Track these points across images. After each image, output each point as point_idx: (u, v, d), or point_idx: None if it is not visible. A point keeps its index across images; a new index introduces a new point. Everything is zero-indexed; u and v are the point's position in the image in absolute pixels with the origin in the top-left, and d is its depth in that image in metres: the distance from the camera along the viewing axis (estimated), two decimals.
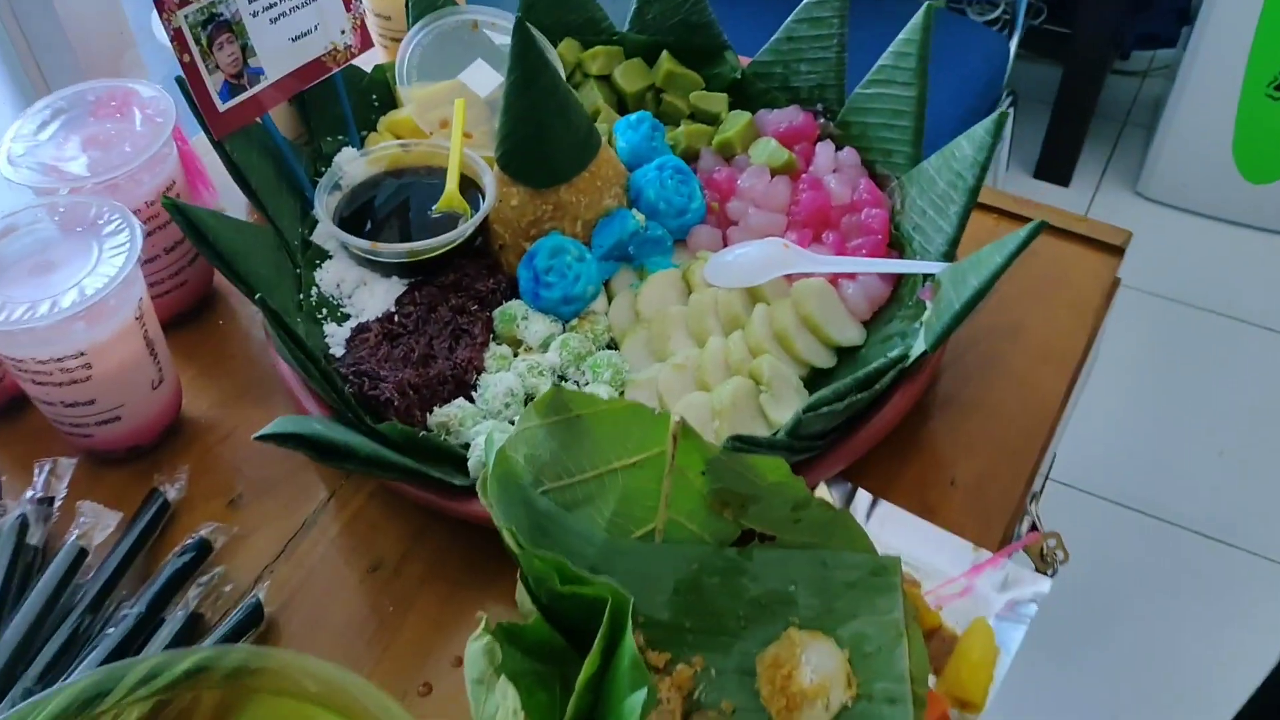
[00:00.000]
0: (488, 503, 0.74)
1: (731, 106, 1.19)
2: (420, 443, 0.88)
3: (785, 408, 0.93)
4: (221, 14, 0.97)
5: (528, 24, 0.95)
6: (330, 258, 1.06)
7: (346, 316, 1.03)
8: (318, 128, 1.12)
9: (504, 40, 1.18)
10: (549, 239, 1.03)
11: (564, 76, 1.16)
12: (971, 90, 2.09)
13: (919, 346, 0.91)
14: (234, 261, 0.93)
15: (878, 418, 0.89)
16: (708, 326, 1.00)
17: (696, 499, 0.78)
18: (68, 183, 0.93)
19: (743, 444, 0.83)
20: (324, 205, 1.06)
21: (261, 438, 0.75)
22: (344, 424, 0.87)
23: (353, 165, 1.10)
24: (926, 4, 1.02)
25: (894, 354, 0.93)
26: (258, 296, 0.82)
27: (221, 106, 0.99)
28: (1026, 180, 2.95)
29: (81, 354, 0.86)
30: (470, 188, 1.10)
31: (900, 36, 1.04)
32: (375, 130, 1.15)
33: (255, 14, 1.00)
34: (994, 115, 0.93)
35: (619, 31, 1.21)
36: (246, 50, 1.00)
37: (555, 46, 1.19)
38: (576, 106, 1.01)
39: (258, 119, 1.03)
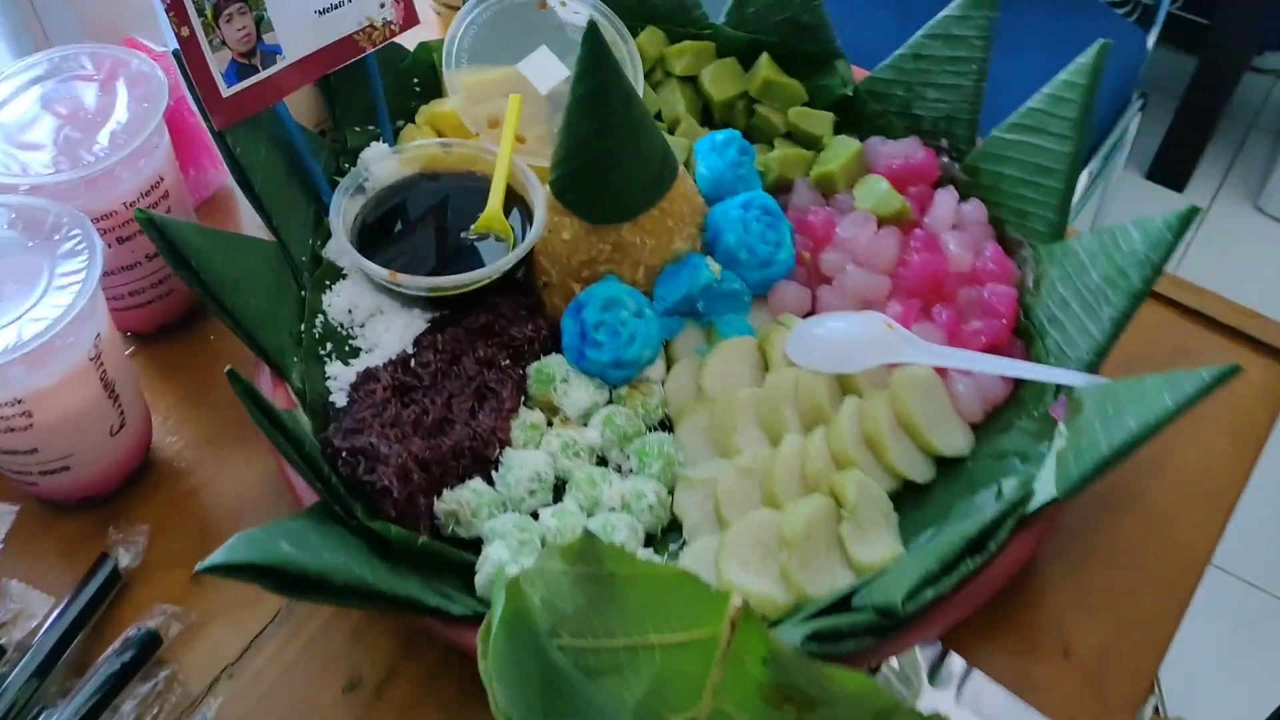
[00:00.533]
0: (485, 668, 0.58)
1: (838, 129, 0.99)
2: (419, 551, 0.71)
3: (871, 544, 0.75)
4: None
5: (599, 27, 0.76)
6: (344, 277, 0.89)
7: (356, 352, 0.86)
8: (343, 116, 0.94)
9: (577, 24, 0.99)
10: (603, 286, 0.85)
11: (640, 74, 0.97)
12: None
13: (1045, 487, 0.73)
14: (220, 291, 0.77)
15: (983, 575, 0.71)
16: (783, 419, 0.82)
17: (751, 688, 0.61)
18: (29, 178, 0.77)
19: (823, 640, 0.65)
20: (341, 213, 0.88)
21: (208, 570, 0.59)
22: (327, 514, 0.71)
23: (382, 164, 0.92)
24: (1100, 42, 0.81)
25: (1011, 491, 0.75)
26: (228, 369, 0.65)
27: (226, 91, 0.82)
28: (1137, 181, 2.70)
29: (19, 401, 0.70)
30: (517, 204, 0.92)
31: (1061, 76, 0.84)
32: (413, 122, 0.97)
33: None
34: (1182, 211, 0.73)
35: (713, 24, 1.02)
36: (261, 24, 0.82)
37: (635, 35, 1.00)
38: (652, 132, 0.82)
39: (270, 106, 0.85)
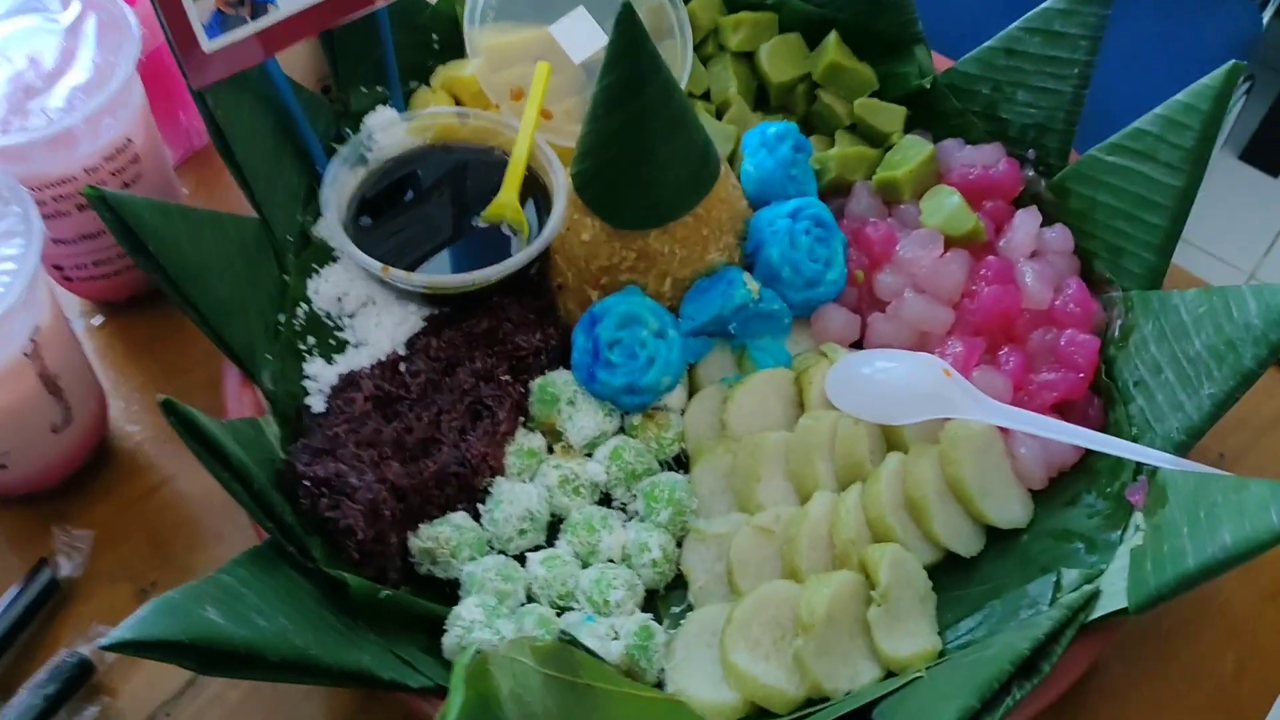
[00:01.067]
0: None
1: (910, 125, 0.87)
2: (381, 606, 0.62)
3: (902, 634, 0.65)
4: None
5: (634, 10, 0.64)
6: (335, 260, 0.79)
7: (343, 346, 0.77)
8: (347, 75, 0.83)
9: None
10: (623, 297, 0.74)
11: (689, 46, 0.85)
12: (1207, 62, 1.68)
13: (1114, 591, 0.62)
14: (181, 278, 0.67)
15: (1038, 690, 0.61)
16: (816, 472, 0.71)
17: None
18: None
19: None
20: (337, 187, 0.78)
21: (112, 648, 0.50)
22: (280, 553, 0.62)
23: (388, 132, 0.82)
24: (1231, 64, 0.68)
25: (1072, 584, 0.64)
26: (162, 399, 0.55)
27: (208, 45, 0.71)
28: (1230, 162, 2.51)
29: None
30: (536, 190, 0.81)
31: (1180, 98, 0.71)
32: (428, 85, 0.86)
33: None
34: None
35: None
36: None
37: (688, 0, 0.88)
38: (692, 130, 0.71)
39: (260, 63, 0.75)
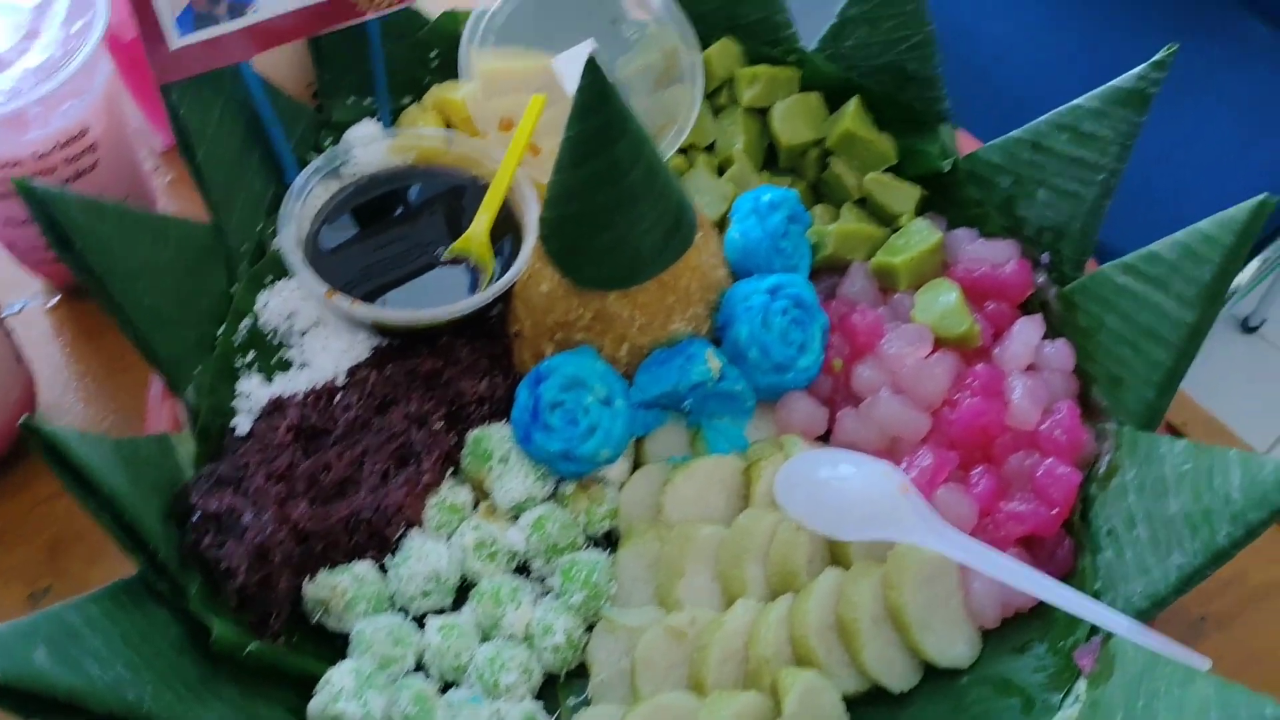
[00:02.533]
0: None
1: (927, 206, 0.81)
2: (248, 661, 0.59)
3: None
4: None
5: (598, 62, 0.59)
6: (291, 275, 0.75)
7: (286, 365, 0.74)
8: (333, 84, 0.80)
9: (637, 22, 0.82)
10: (573, 358, 0.70)
11: (699, 94, 0.80)
12: (1237, 141, 1.57)
13: None
14: (109, 281, 0.65)
15: None
16: (745, 576, 0.66)
17: None
18: None
19: None
20: (304, 199, 0.75)
21: None
22: (149, 591, 0.58)
23: (369, 148, 0.78)
24: (1262, 198, 0.61)
25: None
26: (22, 420, 0.52)
27: (176, 41, 0.68)
28: None
29: None
30: (510, 229, 0.77)
31: (1201, 226, 0.64)
32: (420, 103, 0.82)
33: None
34: None
35: (803, 49, 0.83)
36: None
37: (706, 47, 0.83)
38: (663, 193, 0.66)
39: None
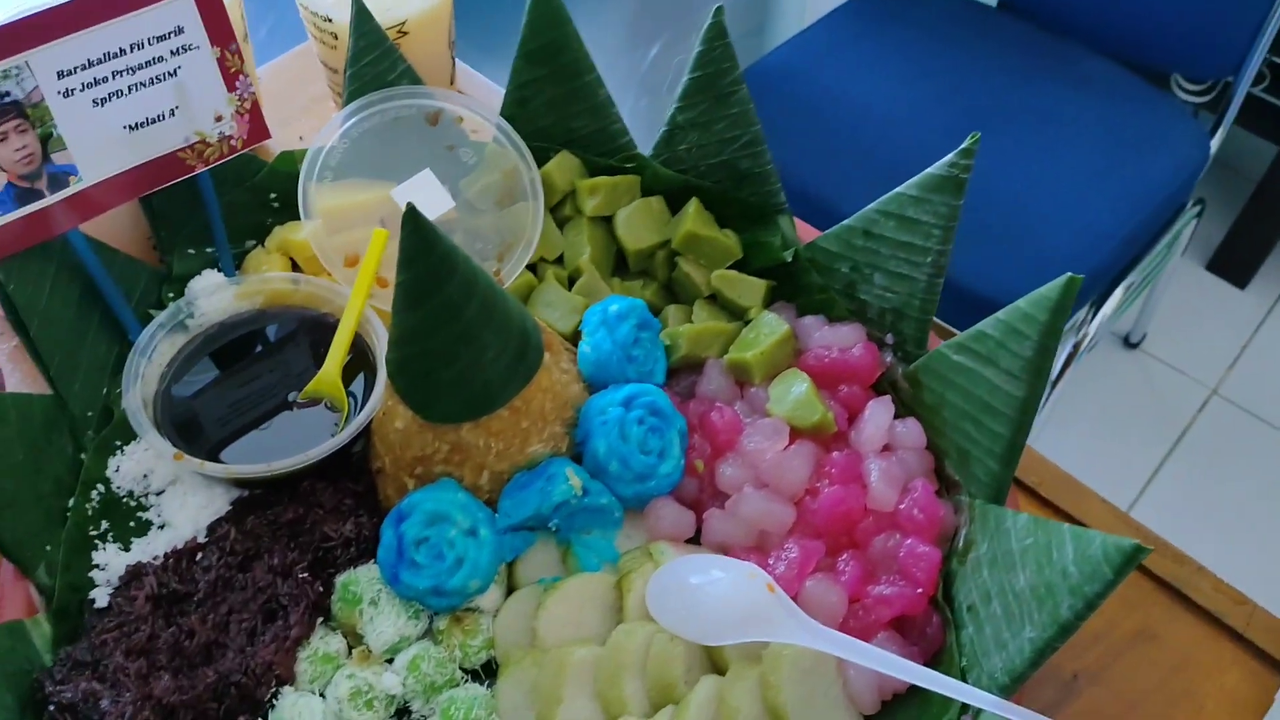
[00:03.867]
0: None
1: (773, 296, 0.83)
2: None
3: None
4: (6, 93, 0.65)
5: (419, 212, 0.60)
6: (139, 438, 0.74)
7: (145, 528, 0.72)
8: (170, 239, 0.80)
9: (474, 144, 0.84)
10: (432, 493, 0.70)
11: (541, 210, 0.81)
12: (1150, 192, 1.65)
13: None
14: None
15: None
16: (623, 695, 0.66)
17: None
18: None
19: None
20: (149, 357, 0.74)
21: None
22: None
23: (214, 297, 0.78)
24: (1068, 277, 0.64)
25: None
26: None
27: None
28: (1196, 271, 2.47)
29: None
30: (364, 365, 0.77)
31: (1020, 304, 0.67)
32: (263, 246, 0.82)
33: (68, 93, 0.67)
34: (1126, 547, 0.55)
35: (640, 156, 0.85)
36: (50, 142, 0.68)
37: (545, 162, 0.84)
38: (503, 325, 0.67)
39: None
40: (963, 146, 0.71)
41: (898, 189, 0.75)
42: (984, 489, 0.70)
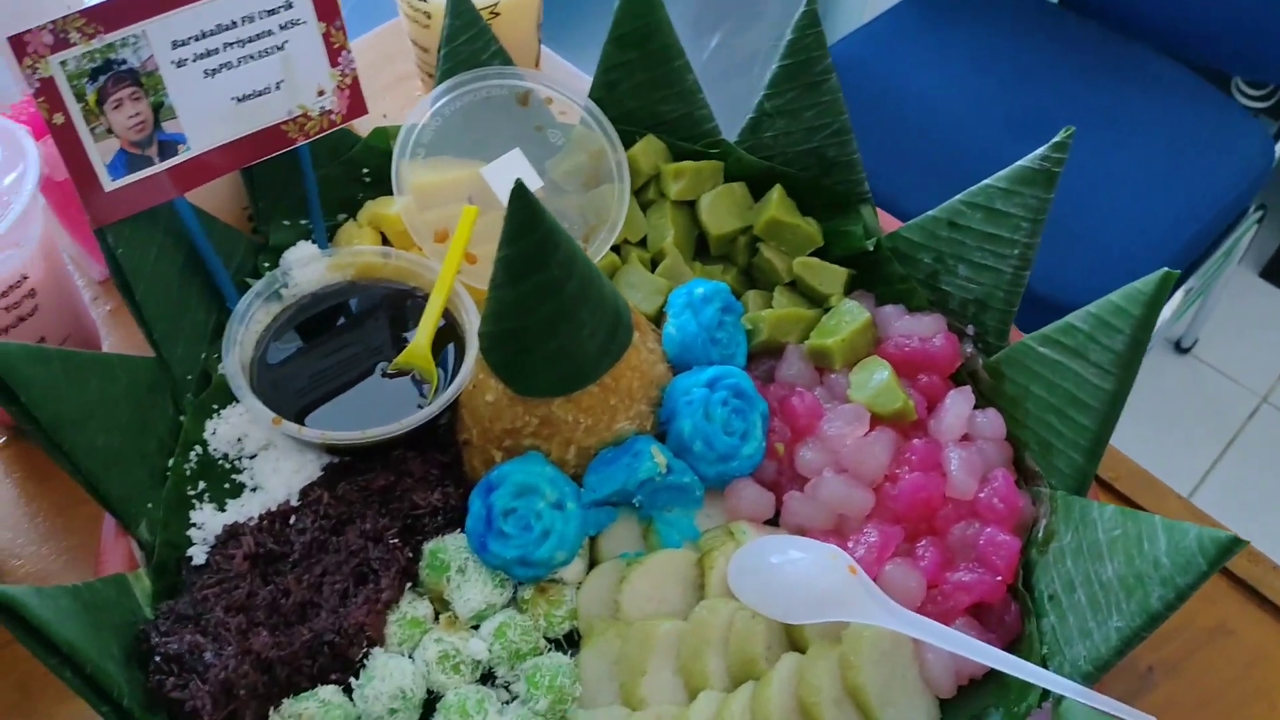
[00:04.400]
0: None
1: (856, 284, 0.84)
2: None
3: None
4: (123, 61, 0.67)
5: (527, 188, 0.61)
6: (237, 400, 0.76)
7: (239, 490, 0.74)
8: (268, 210, 0.81)
9: (562, 125, 0.85)
10: (522, 465, 0.71)
11: (627, 193, 0.82)
12: (1213, 197, 1.64)
13: None
14: (57, 432, 0.65)
15: None
16: (706, 669, 0.68)
17: None
18: None
19: None
20: (246, 323, 0.76)
21: None
22: None
23: (308, 268, 0.80)
24: (1163, 272, 0.64)
25: None
26: None
27: (110, 184, 0.70)
28: (1249, 278, 2.45)
29: None
30: (452, 339, 0.79)
31: (1113, 298, 0.67)
32: (355, 220, 0.84)
33: (180, 63, 0.69)
34: (1222, 539, 0.56)
35: (725, 141, 0.86)
36: (161, 111, 0.70)
37: (631, 145, 0.85)
38: (598, 304, 0.68)
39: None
40: (1055, 140, 0.71)
41: (986, 181, 0.75)
42: (1066, 481, 0.71)
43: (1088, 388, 0.69)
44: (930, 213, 0.79)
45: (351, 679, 0.68)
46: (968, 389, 0.77)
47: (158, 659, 0.62)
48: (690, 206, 0.86)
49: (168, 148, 0.71)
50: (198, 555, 0.71)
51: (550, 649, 0.71)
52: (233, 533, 0.71)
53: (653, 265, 0.84)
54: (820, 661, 0.67)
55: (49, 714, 0.70)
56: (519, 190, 0.61)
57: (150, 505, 0.70)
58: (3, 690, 0.70)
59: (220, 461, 0.75)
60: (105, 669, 0.58)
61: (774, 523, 0.75)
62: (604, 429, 0.72)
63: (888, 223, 0.85)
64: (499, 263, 0.65)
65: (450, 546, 0.71)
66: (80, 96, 0.66)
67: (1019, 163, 0.74)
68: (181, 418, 0.74)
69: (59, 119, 0.66)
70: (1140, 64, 1.76)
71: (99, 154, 0.68)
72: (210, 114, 0.72)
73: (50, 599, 0.57)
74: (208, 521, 0.72)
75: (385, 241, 0.84)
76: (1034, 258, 0.75)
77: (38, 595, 0.56)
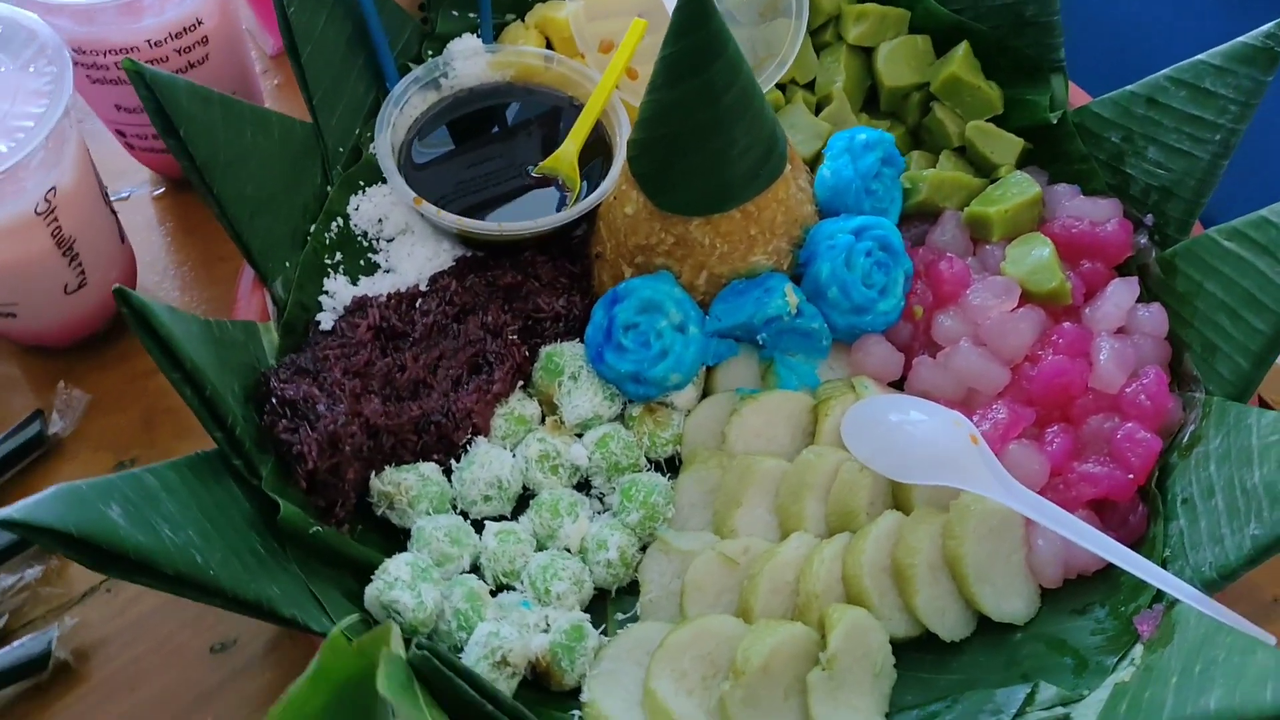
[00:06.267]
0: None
1: (1025, 160, 0.79)
2: (312, 542, 0.60)
3: (841, 709, 0.59)
4: None
5: None
6: (384, 181, 0.76)
7: (372, 268, 0.75)
8: None
9: None
10: (651, 282, 0.70)
11: (803, 29, 0.79)
12: None
13: None
14: (208, 169, 0.66)
15: None
16: (803, 511, 0.66)
17: None
18: None
19: None
20: (402, 107, 0.76)
21: (3, 524, 0.50)
22: (225, 465, 0.60)
23: (469, 61, 0.79)
24: None
25: (1043, 712, 0.57)
26: (115, 288, 0.54)
27: None
28: None
29: None
30: (601, 151, 0.77)
31: None
32: (522, 21, 0.83)
33: None
34: None
35: None
36: None
37: None
38: (757, 120, 0.65)
39: None
40: None
41: (1198, 56, 0.69)
42: (1226, 387, 0.65)
43: (1271, 288, 0.63)
44: (1128, 88, 0.73)
45: (453, 461, 0.68)
46: (1134, 280, 0.71)
47: (274, 401, 0.64)
48: (867, 54, 0.82)
49: None
50: (326, 320, 0.72)
51: (649, 469, 0.70)
52: (361, 304, 0.72)
53: (817, 110, 0.81)
54: (923, 526, 0.64)
55: (167, 447, 0.73)
56: None
57: (288, 264, 0.71)
58: (125, 421, 0.74)
59: (359, 238, 0.76)
60: (224, 397, 0.59)
61: (898, 387, 0.72)
62: (739, 258, 0.70)
63: (1077, 97, 0.79)
64: (660, 62, 0.63)
65: (566, 353, 0.71)
66: None
67: (1238, 39, 0.67)
68: (329, 188, 0.75)
69: None
70: None
71: None
72: None
73: (182, 320, 0.59)
74: (339, 291, 0.73)
75: (549, 46, 0.82)
76: (1235, 146, 0.69)
77: (170, 312, 0.57)
